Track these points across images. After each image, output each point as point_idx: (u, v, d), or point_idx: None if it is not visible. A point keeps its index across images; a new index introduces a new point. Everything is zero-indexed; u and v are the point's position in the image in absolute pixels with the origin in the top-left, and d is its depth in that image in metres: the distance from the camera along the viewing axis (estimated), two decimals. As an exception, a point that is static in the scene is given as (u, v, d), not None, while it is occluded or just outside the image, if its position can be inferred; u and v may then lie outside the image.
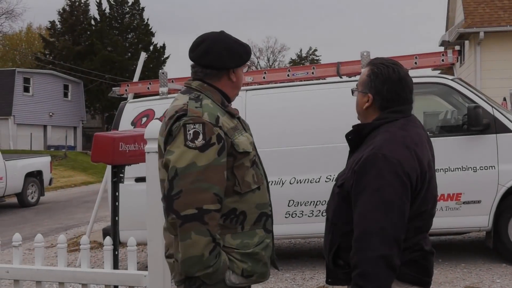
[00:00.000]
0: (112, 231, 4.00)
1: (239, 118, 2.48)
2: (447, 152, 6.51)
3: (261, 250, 2.36)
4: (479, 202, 6.42)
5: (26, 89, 39.56)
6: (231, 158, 2.27)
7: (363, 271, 2.05)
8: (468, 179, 6.43)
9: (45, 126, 41.21)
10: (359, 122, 2.43)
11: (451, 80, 6.85)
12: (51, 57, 47.00)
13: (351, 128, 2.38)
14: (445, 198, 6.43)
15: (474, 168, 6.41)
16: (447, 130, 7.10)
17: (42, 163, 16.71)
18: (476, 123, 6.32)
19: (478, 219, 6.45)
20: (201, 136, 2.18)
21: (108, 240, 3.73)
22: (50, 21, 48.96)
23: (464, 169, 6.44)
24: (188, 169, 2.16)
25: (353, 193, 2.16)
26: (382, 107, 2.31)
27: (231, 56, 2.40)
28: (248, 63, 2.55)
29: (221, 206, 2.22)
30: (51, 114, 41.13)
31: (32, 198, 16.14)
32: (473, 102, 6.52)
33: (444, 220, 6.28)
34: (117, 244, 3.95)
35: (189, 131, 2.19)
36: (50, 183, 17.26)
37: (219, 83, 2.42)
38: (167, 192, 2.19)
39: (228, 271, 2.27)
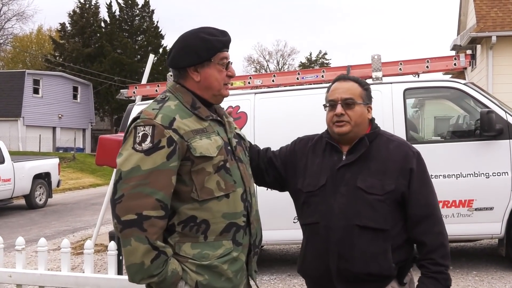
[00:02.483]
0: (117, 235, 3.93)
1: (220, 121, 2.34)
2: (459, 157, 6.42)
3: (222, 264, 2.18)
4: (491, 209, 6.32)
5: (36, 91, 39.78)
6: (189, 162, 2.15)
7: (447, 251, 2.38)
8: (480, 186, 6.33)
9: (54, 128, 41.41)
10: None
11: (464, 84, 6.75)
12: (61, 59, 47.26)
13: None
14: (456, 205, 6.34)
15: (487, 174, 6.31)
16: (459, 135, 7.01)
17: (50, 165, 16.75)
18: (489, 128, 6.22)
19: (491, 226, 6.35)
20: (149, 139, 2.10)
21: (113, 245, 3.67)
22: (60, 23, 49.49)
23: (476, 175, 6.34)
24: (131, 173, 2.07)
25: (414, 188, 2.39)
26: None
27: (186, 54, 2.26)
28: (224, 60, 2.30)
29: (166, 212, 2.10)
30: (60, 116, 41.32)
31: (40, 200, 16.17)
32: (486, 106, 6.42)
33: (456, 227, 6.18)
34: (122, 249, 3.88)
35: (138, 133, 2.12)
36: (58, 185, 17.31)
37: (187, 84, 2.31)
38: (112, 196, 2.13)
39: (182, 282, 2.15)
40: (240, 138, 2.47)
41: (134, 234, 2.04)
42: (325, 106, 2.54)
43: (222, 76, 2.32)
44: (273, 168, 2.68)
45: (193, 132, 2.17)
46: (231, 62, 2.37)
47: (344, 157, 2.48)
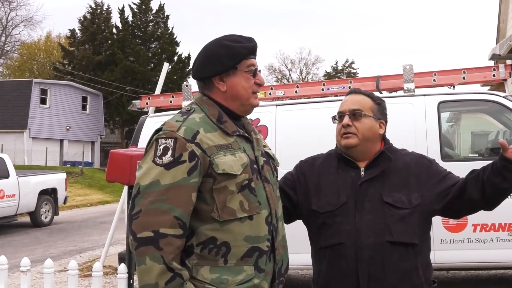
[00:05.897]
0: (127, 257, 3.96)
1: (247, 137, 2.33)
2: (498, 176, 6.34)
3: None
4: (534, 233, 6.22)
5: (43, 101, 40.27)
6: (211, 179, 2.15)
7: None
8: (521, 208, 6.24)
9: (61, 141, 41.83)
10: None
11: (503, 97, 6.69)
12: (70, 67, 47.84)
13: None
14: (495, 228, 6.24)
15: (529, 196, 6.22)
16: (498, 152, 6.91)
17: (57, 180, 16.90)
18: (531, 145, 6.14)
19: (533, 252, 6.25)
20: (170, 152, 2.11)
21: (123, 267, 3.69)
22: (70, 29, 50.00)
23: (517, 196, 6.25)
24: (150, 187, 2.09)
25: (444, 181, 2.55)
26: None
27: (209, 64, 2.28)
28: (251, 68, 2.30)
29: (184, 231, 2.09)
30: (68, 127, 41.74)
31: (46, 218, 16.29)
32: (528, 121, 6.35)
33: (494, 252, 6.09)
34: (132, 271, 3.90)
35: (159, 146, 2.14)
36: (65, 202, 17.45)
37: (213, 95, 2.32)
38: (129, 211, 2.14)
39: None
40: (269, 157, 2.45)
41: (149, 252, 2.04)
42: (334, 118, 2.63)
43: (249, 84, 2.32)
44: (284, 197, 2.61)
45: (217, 148, 2.18)
46: (260, 70, 2.38)
47: (362, 172, 2.53)
